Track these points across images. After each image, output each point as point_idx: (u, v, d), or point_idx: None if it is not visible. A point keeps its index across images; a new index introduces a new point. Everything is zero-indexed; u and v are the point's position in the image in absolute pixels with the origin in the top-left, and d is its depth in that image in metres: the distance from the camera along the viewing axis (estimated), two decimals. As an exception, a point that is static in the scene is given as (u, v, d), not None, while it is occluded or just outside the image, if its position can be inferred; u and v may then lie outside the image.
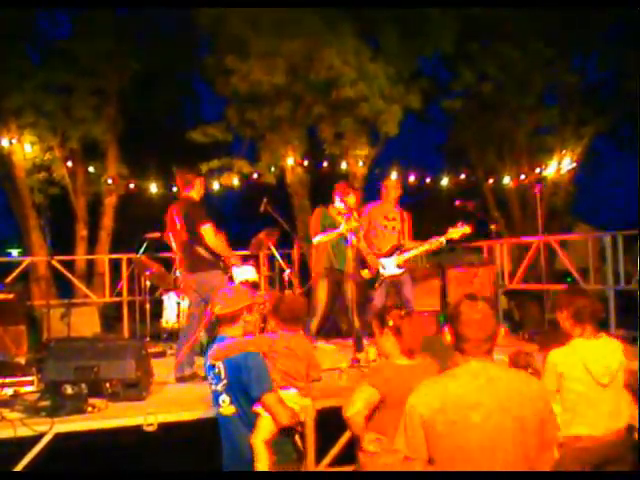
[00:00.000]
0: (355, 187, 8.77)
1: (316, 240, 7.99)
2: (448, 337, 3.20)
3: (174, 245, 7.37)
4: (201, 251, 6.94)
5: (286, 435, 4.54)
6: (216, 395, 4.40)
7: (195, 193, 7.25)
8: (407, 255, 8.15)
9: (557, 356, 4.59)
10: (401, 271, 8.15)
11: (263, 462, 4.25)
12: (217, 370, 4.35)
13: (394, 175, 8.93)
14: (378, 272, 8.02)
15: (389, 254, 8.12)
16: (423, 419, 3.04)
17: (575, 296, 4.83)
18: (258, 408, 4.31)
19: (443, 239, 8.06)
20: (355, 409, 4.28)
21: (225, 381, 4.32)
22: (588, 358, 4.53)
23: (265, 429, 4.29)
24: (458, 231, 8.02)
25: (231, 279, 8.00)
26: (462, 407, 3.01)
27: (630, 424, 4.69)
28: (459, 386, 3.07)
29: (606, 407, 4.53)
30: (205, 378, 4.64)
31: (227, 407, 4.34)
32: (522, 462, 2.99)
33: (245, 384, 4.25)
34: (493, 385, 3.04)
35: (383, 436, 4.23)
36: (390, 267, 8.03)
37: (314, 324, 8.12)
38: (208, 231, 6.91)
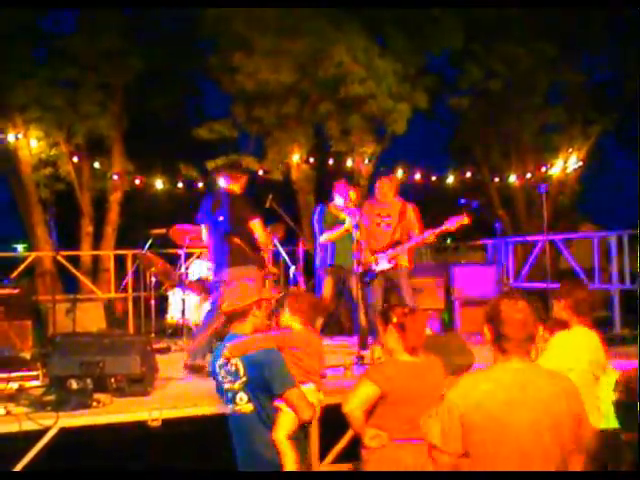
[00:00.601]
0: (355, 184, 8.64)
1: (323, 238, 7.95)
2: (488, 336, 3.19)
3: (205, 236, 7.46)
4: (240, 244, 7.04)
5: (301, 431, 4.53)
6: (232, 393, 4.27)
7: (238, 188, 7.36)
8: (399, 249, 7.82)
9: (563, 340, 4.67)
10: (390, 265, 7.84)
11: (290, 457, 4.21)
12: (233, 368, 4.24)
13: (388, 171, 8.68)
14: (370, 269, 7.85)
15: (385, 250, 7.87)
16: (461, 413, 3.04)
17: (575, 288, 4.88)
18: (280, 404, 4.26)
19: (438, 231, 7.73)
20: (354, 404, 4.30)
21: (244, 378, 4.20)
22: (589, 348, 4.59)
23: (287, 424, 4.25)
24: (456, 222, 7.66)
25: (267, 275, 8.11)
26: (501, 404, 3.02)
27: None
28: (500, 384, 3.08)
29: (594, 399, 4.60)
30: (211, 375, 4.53)
31: (244, 405, 4.23)
32: (559, 462, 3.01)
33: (267, 380, 4.17)
34: (532, 384, 3.05)
35: (384, 432, 4.25)
36: (382, 262, 7.84)
37: (318, 321, 8.11)
38: (258, 225, 7.08)
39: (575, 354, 4.60)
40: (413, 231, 7.97)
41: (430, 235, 7.79)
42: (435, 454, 3.15)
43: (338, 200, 8.00)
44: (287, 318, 4.83)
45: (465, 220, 7.62)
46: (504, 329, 3.10)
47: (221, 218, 7.14)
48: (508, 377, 3.08)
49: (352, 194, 7.77)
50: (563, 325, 4.79)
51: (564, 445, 3.02)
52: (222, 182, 7.49)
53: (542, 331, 4.83)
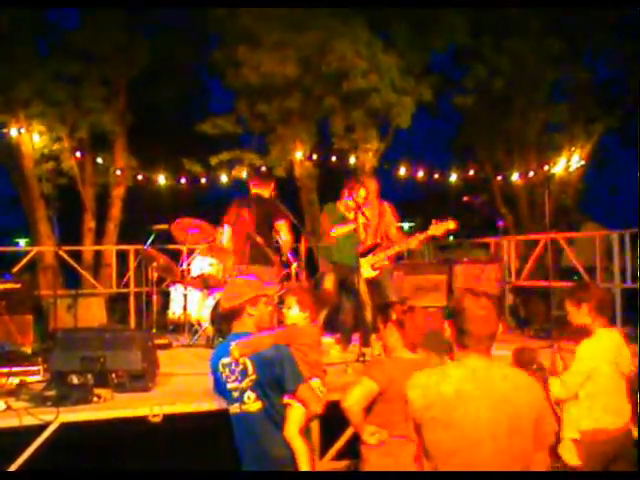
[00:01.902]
0: (361, 180, 8.53)
1: (334, 233, 7.86)
2: (448, 331, 3.19)
3: (226, 237, 7.90)
4: (263, 244, 7.44)
5: (307, 427, 4.52)
6: (238, 392, 4.23)
7: (267, 193, 7.80)
8: (381, 255, 7.78)
9: (590, 348, 4.67)
10: (375, 273, 7.81)
11: (303, 452, 4.20)
12: (241, 366, 4.20)
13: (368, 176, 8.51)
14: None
15: (364, 253, 7.77)
16: (415, 409, 3.07)
17: (593, 289, 4.90)
18: (289, 400, 4.25)
19: (422, 236, 7.65)
20: (352, 400, 4.31)
21: (253, 376, 4.17)
22: (615, 347, 4.63)
23: (298, 420, 4.24)
24: (441, 227, 7.55)
25: (288, 277, 8.40)
26: (457, 401, 3.01)
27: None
28: (456, 380, 3.07)
29: (624, 397, 4.68)
30: (212, 373, 4.45)
31: (252, 403, 4.19)
32: (518, 460, 2.99)
33: (278, 377, 4.16)
34: (490, 381, 3.04)
35: (384, 428, 4.25)
36: (364, 268, 7.72)
37: (321, 318, 8.10)
38: (284, 226, 7.52)
39: (604, 358, 4.65)
40: (390, 230, 7.95)
41: (414, 240, 7.76)
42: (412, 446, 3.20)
43: (347, 198, 7.92)
44: (294, 314, 4.81)
45: (451, 225, 7.53)
46: (466, 325, 3.10)
47: (247, 219, 7.53)
48: (465, 374, 3.07)
49: (362, 192, 7.76)
50: (585, 332, 4.77)
51: (524, 444, 3.00)
52: (252, 187, 7.87)
53: (563, 344, 4.89)
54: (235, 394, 4.24)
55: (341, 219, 7.84)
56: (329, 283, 8.03)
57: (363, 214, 7.48)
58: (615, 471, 4.50)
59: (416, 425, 3.09)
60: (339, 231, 7.73)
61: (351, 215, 7.66)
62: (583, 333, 4.75)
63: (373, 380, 4.31)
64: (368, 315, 7.70)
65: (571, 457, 4.57)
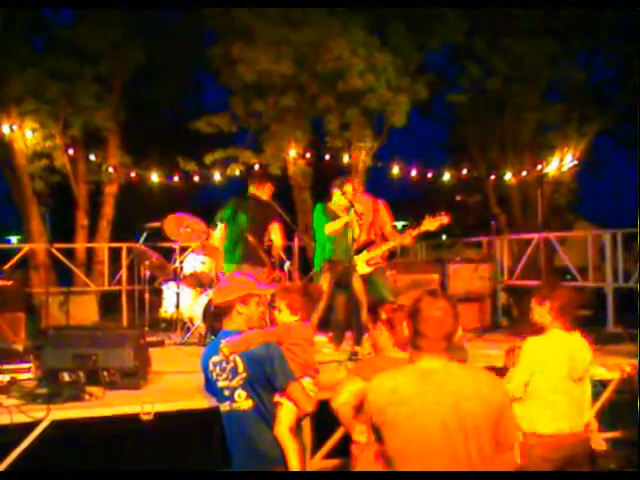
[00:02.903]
0: (349, 176, 8.50)
1: (327, 229, 7.83)
2: (406, 332, 3.19)
3: (218, 236, 7.98)
4: (255, 244, 7.52)
5: (298, 426, 4.52)
6: (229, 390, 4.21)
7: (264, 194, 7.86)
8: (376, 251, 7.76)
9: (536, 345, 4.61)
10: (370, 269, 7.77)
11: (293, 450, 4.20)
12: (231, 365, 4.19)
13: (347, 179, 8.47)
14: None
15: (358, 250, 7.72)
16: (372, 412, 3.09)
17: (559, 289, 4.84)
18: (280, 398, 4.25)
19: (416, 232, 7.61)
20: (342, 399, 4.33)
21: (244, 374, 4.16)
22: (566, 351, 4.56)
23: (288, 418, 4.23)
24: (434, 222, 7.52)
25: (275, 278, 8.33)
26: (410, 402, 3.01)
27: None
28: (409, 382, 3.07)
29: (575, 402, 4.59)
30: (203, 371, 4.43)
31: (244, 402, 4.18)
32: (477, 461, 2.97)
33: (269, 375, 4.16)
34: (444, 382, 3.03)
35: None
36: (359, 265, 7.68)
37: (315, 317, 8.09)
38: (277, 228, 7.62)
39: (549, 358, 4.56)
40: (385, 228, 7.94)
41: (407, 236, 7.74)
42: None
43: (337, 197, 7.89)
44: (285, 318, 4.79)
45: (444, 220, 7.51)
46: (421, 326, 3.10)
47: (242, 219, 7.61)
48: (417, 376, 3.07)
49: (348, 187, 7.73)
50: (537, 330, 4.74)
51: (481, 444, 2.98)
52: (250, 188, 7.91)
53: (519, 342, 4.82)
54: (226, 392, 4.23)
55: (333, 218, 7.82)
56: (324, 284, 8.02)
57: (356, 212, 7.46)
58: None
59: (374, 428, 3.09)
60: (332, 228, 7.71)
61: (341, 213, 7.62)
62: (540, 332, 4.71)
63: (363, 379, 4.32)
64: (364, 314, 7.69)
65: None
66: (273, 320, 4.89)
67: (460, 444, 2.95)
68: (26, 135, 12.97)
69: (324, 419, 4.80)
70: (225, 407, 4.27)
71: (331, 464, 5.62)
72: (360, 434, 4.28)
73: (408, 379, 3.08)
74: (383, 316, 4.46)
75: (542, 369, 4.53)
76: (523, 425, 4.42)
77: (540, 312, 4.71)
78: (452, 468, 2.93)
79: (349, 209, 7.36)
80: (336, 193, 7.86)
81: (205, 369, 4.36)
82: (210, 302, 8.29)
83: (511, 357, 5.05)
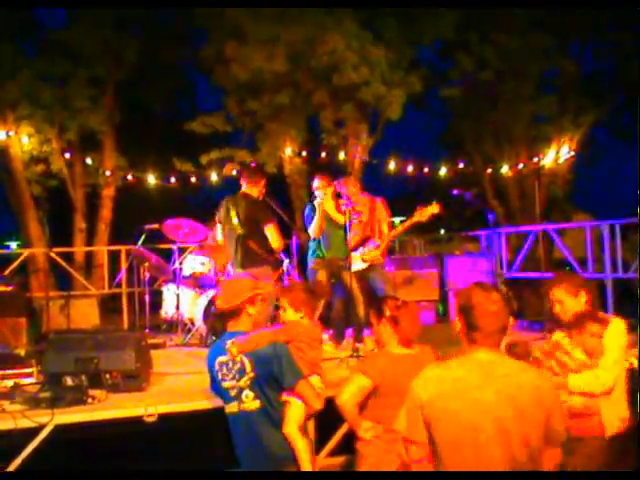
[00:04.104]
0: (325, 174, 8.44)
1: (311, 231, 7.86)
2: (458, 326, 3.17)
3: (220, 237, 7.81)
4: (254, 246, 7.31)
5: (305, 424, 4.52)
6: (235, 391, 4.20)
7: (256, 192, 7.64)
8: (371, 247, 7.77)
9: (619, 336, 4.55)
10: (365, 265, 7.78)
11: (303, 448, 4.20)
12: (238, 365, 4.17)
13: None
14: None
15: (355, 247, 7.75)
16: (422, 405, 3.04)
17: (587, 280, 4.85)
18: (288, 397, 4.25)
19: (408, 222, 7.63)
20: (346, 396, 4.35)
21: (251, 374, 4.15)
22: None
23: (297, 416, 4.23)
24: (426, 212, 7.47)
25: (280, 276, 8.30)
26: (464, 395, 3.00)
27: None
28: (463, 374, 3.06)
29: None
30: (209, 371, 4.41)
31: (251, 402, 4.17)
32: (525, 456, 2.96)
33: (276, 375, 4.15)
34: (498, 376, 3.03)
35: (379, 424, 4.26)
36: (355, 261, 7.71)
37: (317, 313, 8.08)
38: (272, 230, 7.36)
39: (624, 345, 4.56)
40: (382, 226, 7.92)
41: (399, 227, 7.75)
42: (405, 444, 3.15)
43: (321, 196, 7.89)
44: (290, 313, 4.79)
45: (435, 209, 7.45)
46: (476, 320, 3.08)
47: (235, 220, 7.41)
48: (474, 369, 3.06)
49: (317, 182, 7.82)
50: (587, 321, 4.65)
51: (531, 440, 2.98)
52: (242, 185, 7.72)
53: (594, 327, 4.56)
54: (232, 393, 4.21)
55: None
56: (321, 279, 8.02)
57: (354, 209, 7.47)
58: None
59: (425, 423, 3.05)
60: (314, 225, 7.73)
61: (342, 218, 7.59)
62: (583, 322, 4.56)
63: (366, 376, 4.33)
64: (360, 310, 7.70)
65: None
66: (278, 319, 4.88)
67: (513, 438, 2.95)
68: (22, 140, 12.95)
69: (327, 416, 4.81)
70: (232, 408, 4.25)
71: (336, 461, 5.64)
72: (365, 431, 4.29)
73: (462, 371, 3.07)
74: (387, 313, 4.47)
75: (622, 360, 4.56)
76: (610, 414, 4.41)
77: (572, 303, 4.58)
78: (503, 461, 2.93)
79: (351, 212, 7.38)
80: (316, 192, 7.89)
81: (211, 369, 4.34)
82: (211, 302, 8.30)
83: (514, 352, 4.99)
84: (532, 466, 2.99)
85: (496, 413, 2.96)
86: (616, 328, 4.52)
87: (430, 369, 3.20)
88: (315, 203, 7.75)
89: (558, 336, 4.64)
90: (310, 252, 8.13)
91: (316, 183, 7.85)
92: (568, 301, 4.60)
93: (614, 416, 4.42)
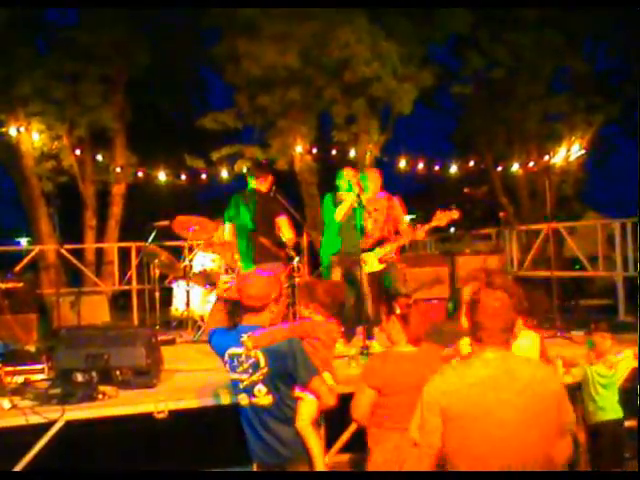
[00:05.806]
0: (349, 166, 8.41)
1: (337, 216, 7.81)
2: (465, 324, 3.18)
3: (227, 232, 7.76)
4: (266, 242, 7.32)
5: (318, 420, 4.53)
6: (250, 385, 4.17)
7: (265, 187, 7.67)
8: (388, 247, 7.69)
9: None
10: (382, 266, 7.73)
11: (316, 444, 4.21)
12: (252, 359, 4.15)
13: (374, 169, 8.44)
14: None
15: (371, 247, 7.71)
16: (442, 407, 3.04)
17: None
18: (301, 393, 4.24)
19: (427, 226, 7.57)
20: (361, 410, 4.42)
21: (265, 369, 4.12)
22: None
23: (310, 412, 4.22)
24: (445, 217, 7.50)
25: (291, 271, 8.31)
26: (476, 395, 3.00)
27: None
28: (474, 374, 3.06)
29: None
30: (228, 366, 4.33)
31: (264, 397, 4.15)
32: (540, 450, 2.99)
33: (291, 370, 4.12)
34: (508, 374, 3.03)
35: (386, 421, 4.29)
36: (371, 262, 7.69)
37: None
38: (285, 222, 7.39)
39: None
40: (400, 225, 7.91)
41: (420, 231, 7.72)
42: (414, 447, 3.14)
43: (343, 187, 7.88)
44: (307, 311, 4.80)
45: (455, 215, 7.48)
46: (480, 318, 3.09)
47: (247, 216, 7.45)
48: (487, 367, 3.06)
49: (347, 171, 7.78)
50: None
51: (549, 431, 3.01)
52: (251, 182, 7.72)
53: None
54: (241, 385, 4.20)
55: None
56: (336, 276, 8.00)
57: (360, 192, 7.42)
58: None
59: (444, 423, 3.05)
60: (339, 212, 7.68)
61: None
62: None
63: (371, 387, 4.40)
64: (369, 307, 7.68)
65: None
66: (298, 314, 4.90)
67: (534, 431, 2.97)
68: (33, 137, 12.99)
69: (335, 413, 4.81)
70: (243, 400, 4.23)
71: (345, 458, 5.64)
72: None
73: (472, 371, 3.08)
74: (397, 311, 4.46)
75: None
76: None
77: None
78: (522, 453, 2.95)
79: (354, 192, 7.34)
80: (338, 181, 7.87)
81: (220, 355, 4.32)
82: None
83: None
84: (546, 461, 3.00)
85: (511, 411, 2.97)
86: None
87: (442, 372, 3.21)
88: (342, 192, 7.66)
89: None
90: (322, 248, 8.10)
91: (347, 173, 7.78)
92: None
93: None
